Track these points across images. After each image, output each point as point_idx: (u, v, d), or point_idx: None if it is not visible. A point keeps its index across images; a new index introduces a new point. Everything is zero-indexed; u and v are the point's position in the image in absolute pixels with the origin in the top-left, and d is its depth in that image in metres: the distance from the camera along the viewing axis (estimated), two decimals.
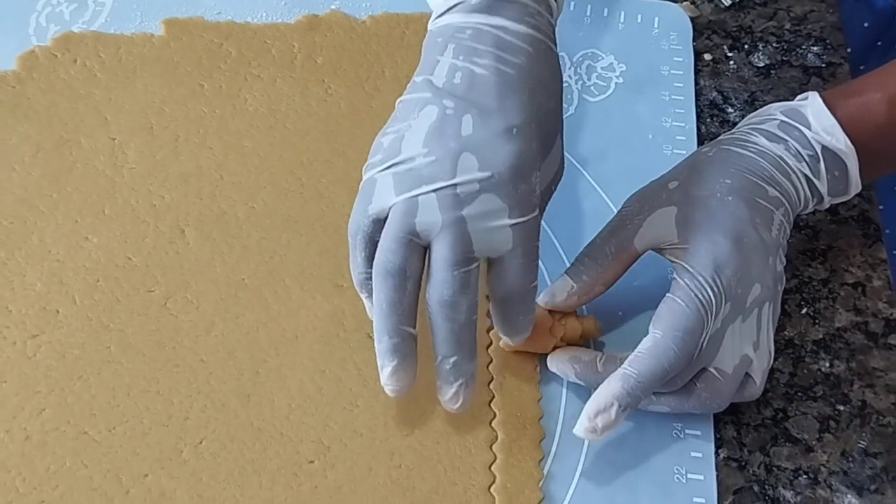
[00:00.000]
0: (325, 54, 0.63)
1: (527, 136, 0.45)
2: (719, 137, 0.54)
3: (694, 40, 0.66)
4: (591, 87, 0.64)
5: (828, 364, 0.54)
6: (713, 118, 0.64)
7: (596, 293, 0.51)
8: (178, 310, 0.53)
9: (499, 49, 0.46)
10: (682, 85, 0.65)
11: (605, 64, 0.65)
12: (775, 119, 0.53)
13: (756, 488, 0.50)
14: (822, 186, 0.52)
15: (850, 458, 0.51)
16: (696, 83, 0.65)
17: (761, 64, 0.66)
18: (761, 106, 0.64)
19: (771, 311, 0.50)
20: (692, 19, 0.67)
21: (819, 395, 0.53)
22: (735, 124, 0.63)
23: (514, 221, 0.44)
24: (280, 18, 0.65)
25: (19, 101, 0.59)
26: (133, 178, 0.57)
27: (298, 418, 0.50)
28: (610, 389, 0.46)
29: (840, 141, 0.51)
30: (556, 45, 0.49)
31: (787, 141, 0.51)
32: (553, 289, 0.51)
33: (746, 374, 0.49)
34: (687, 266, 0.48)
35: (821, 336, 0.55)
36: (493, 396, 0.51)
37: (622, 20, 0.67)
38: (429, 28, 0.50)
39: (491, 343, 0.53)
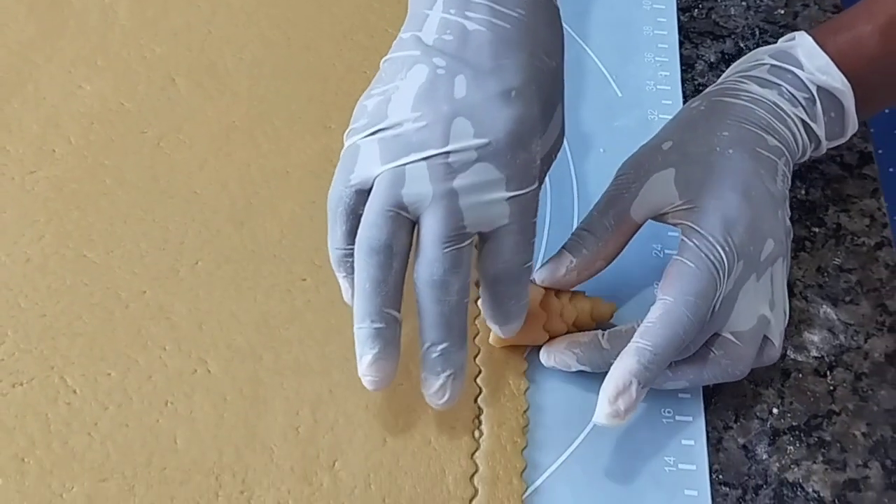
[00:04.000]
0: None
1: (527, 99, 0.41)
2: (706, 90, 0.52)
3: None
4: None
5: (803, 191, 0.56)
6: None
7: (597, 268, 0.47)
8: (171, 149, 0.54)
9: (493, 2, 0.42)
10: None
11: None
12: (764, 64, 0.50)
13: None
14: (820, 130, 0.49)
15: (826, 274, 0.53)
16: None
17: None
18: None
19: (783, 267, 0.47)
20: None
21: (795, 219, 0.55)
22: None
23: (511, 194, 0.40)
24: None
25: None
26: (124, 34, 0.59)
27: (290, 242, 0.51)
28: (626, 367, 0.42)
29: (836, 79, 0.49)
30: None
31: (780, 86, 0.49)
32: (551, 264, 0.47)
33: (764, 336, 0.46)
34: (694, 226, 0.44)
35: (797, 168, 0.57)
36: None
37: None
38: None
39: (479, 333, 0.49)
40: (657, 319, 0.43)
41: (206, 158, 0.54)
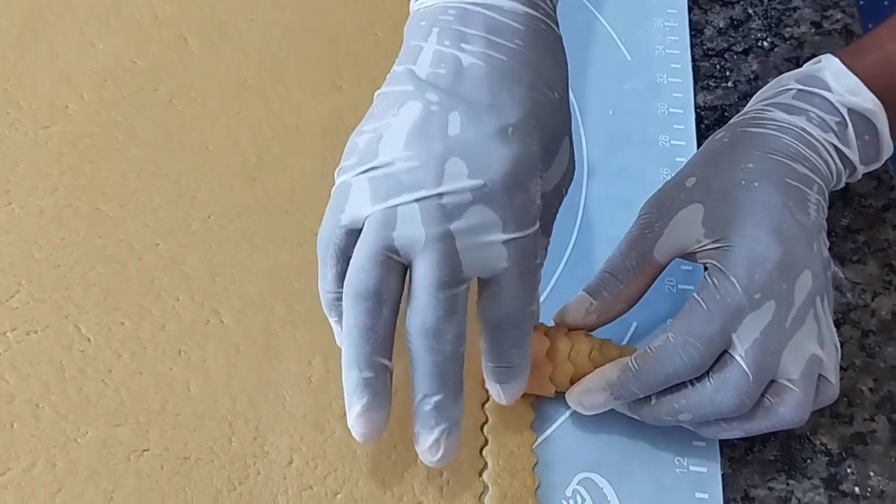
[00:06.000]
0: None
1: (524, 136, 0.39)
2: (731, 121, 0.50)
3: None
4: None
5: None
6: None
7: (618, 311, 0.45)
8: (184, 106, 0.55)
9: (490, 33, 0.40)
10: None
11: None
12: (790, 89, 0.48)
13: None
14: (853, 154, 0.47)
15: (834, 234, 0.53)
16: None
17: None
18: None
19: (826, 300, 0.44)
20: None
21: None
22: None
23: (508, 237, 0.38)
24: None
25: None
26: None
27: (302, 198, 0.52)
28: (606, 375, 0.43)
29: (867, 100, 0.46)
30: (557, 25, 0.44)
31: (808, 111, 0.47)
32: (569, 305, 0.45)
33: (819, 375, 0.43)
34: (719, 265, 0.42)
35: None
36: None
37: None
38: (411, 10, 0.44)
39: None
40: (655, 350, 0.42)
41: (218, 115, 0.54)
